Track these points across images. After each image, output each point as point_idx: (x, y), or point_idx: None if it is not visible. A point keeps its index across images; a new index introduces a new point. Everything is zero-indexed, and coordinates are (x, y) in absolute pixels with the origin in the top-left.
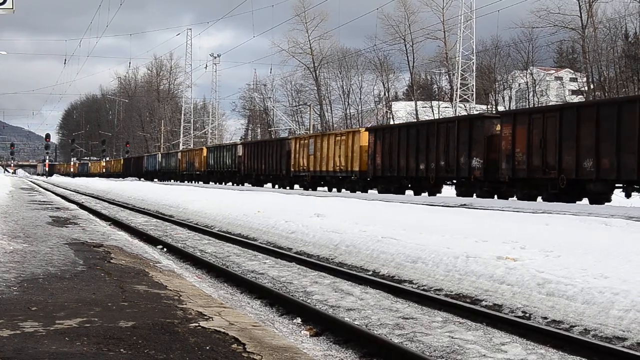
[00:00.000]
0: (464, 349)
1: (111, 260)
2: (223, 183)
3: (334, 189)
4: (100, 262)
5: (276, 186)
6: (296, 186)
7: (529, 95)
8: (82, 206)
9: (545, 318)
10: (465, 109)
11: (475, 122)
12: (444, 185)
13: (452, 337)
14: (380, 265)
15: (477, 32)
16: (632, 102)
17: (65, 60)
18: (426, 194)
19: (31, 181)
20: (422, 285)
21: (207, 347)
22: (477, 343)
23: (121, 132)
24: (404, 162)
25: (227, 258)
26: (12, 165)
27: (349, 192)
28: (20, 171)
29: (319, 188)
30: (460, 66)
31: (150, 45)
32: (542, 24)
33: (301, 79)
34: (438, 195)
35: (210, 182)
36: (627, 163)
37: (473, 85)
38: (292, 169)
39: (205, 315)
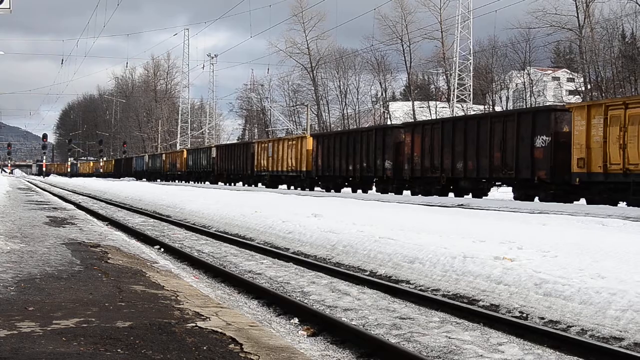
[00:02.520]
0: (461, 349)
1: (108, 261)
2: (201, 182)
3: (292, 187)
4: (98, 262)
5: (245, 185)
6: (259, 184)
7: (526, 96)
8: (79, 206)
9: (543, 318)
10: (463, 109)
11: (387, 131)
12: (374, 183)
13: (449, 337)
14: (378, 265)
15: (475, 32)
16: (485, 117)
17: (63, 60)
18: (360, 191)
19: (28, 181)
20: (420, 286)
21: (205, 347)
22: (474, 343)
23: (118, 132)
24: (338, 163)
25: (224, 258)
26: (9, 165)
27: (299, 189)
28: (17, 171)
29: (280, 186)
30: (457, 66)
31: (146, 46)
32: (539, 24)
33: (298, 79)
34: (369, 192)
35: (190, 182)
36: (483, 165)
37: (470, 85)
38: (255, 169)
39: (203, 316)
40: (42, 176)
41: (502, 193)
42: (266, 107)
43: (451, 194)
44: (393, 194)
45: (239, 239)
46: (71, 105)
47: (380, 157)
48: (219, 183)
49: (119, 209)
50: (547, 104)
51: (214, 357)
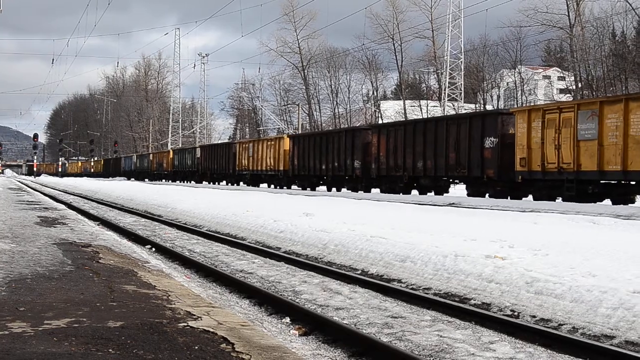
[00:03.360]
0: (452, 348)
1: (99, 260)
2: (186, 181)
3: (272, 186)
4: (89, 262)
5: (228, 184)
6: (241, 183)
7: (517, 94)
8: (70, 206)
9: (534, 316)
10: (454, 108)
11: (356, 133)
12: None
13: (441, 336)
14: (369, 264)
15: (466, 31)
16: (442, 120)
17: (53, 60)
18: (335, 189)
19: (19, 181)
20: (411, 284)
21: (196, 347)
22: (465, 342)
23: (109, 131)
24: (312, 163)
25: (215, 258)
26: None
27: (277, 187)
28: (8, 171)
29: (260, 185)
30: (448, 65)
31: (136, 46)
32: (530, 23)
33: (289, 79)
34: (343, 190)
35: (177, 181)
36: (440, 164)
37: (461, 84)
38: (237, 169)
39: (194, 315)
40: (33, 176)
41: (459, 190)
42: (257, 106)
43: (415, 192)
44: (362, 192)
45: (230, 239)
46: (62, 105)
47: (350, 157)
48: (204, 182)
49: (111, 208)
50: (496, 109)
51: (206, 357)
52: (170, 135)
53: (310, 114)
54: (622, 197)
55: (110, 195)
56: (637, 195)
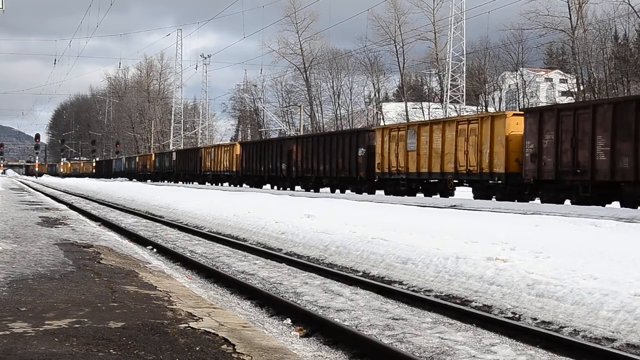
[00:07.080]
0: (453, 350)
1: (101, 261)
2: (165, 181)
3: (232, 185)
4: (90, 262)
5: (199, 184)
6: (206, 183)
7: (518, 97)
8: (71, 206)
9: (535, 319)
10: (456, 110)
11: (283, 142)
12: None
13: (442, 338)
14: (371, 266)
15: (467, 33)
16: (333, 135)
17: (55, 60)
18: (276, 187)
19: (20, 181)
20: (412, 286)
21: (197, 348)
22: (466, 344)
23: (111, 132)
24: (254, 165)
25: (217, 259)
26: (1, 165)
27: (231, 185)
28: (10, 171)
29: (224, 184)
30: (450, 67)
31: (137, 47)
32: (532, 25)
33: (291, 80)
34: (281, 188)
35: (158, 181)
36: (333, 167)
37: (463, 86)
38: (202, 170)
39: (195, 316)
40: (34, 176)
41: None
42: (259, 107)
43: (324, 189)
44: (289, 189)
45: (231, 240)
46: (64, 105)
47: (279, 161)
48: (179, 182)
49: (112, 209)
50: (364, 127)
51: (207, 358)
52: (172, 136)
53: (312, 116)
54: (443, 191)
55: (112, 196)
56: (456, 188)
